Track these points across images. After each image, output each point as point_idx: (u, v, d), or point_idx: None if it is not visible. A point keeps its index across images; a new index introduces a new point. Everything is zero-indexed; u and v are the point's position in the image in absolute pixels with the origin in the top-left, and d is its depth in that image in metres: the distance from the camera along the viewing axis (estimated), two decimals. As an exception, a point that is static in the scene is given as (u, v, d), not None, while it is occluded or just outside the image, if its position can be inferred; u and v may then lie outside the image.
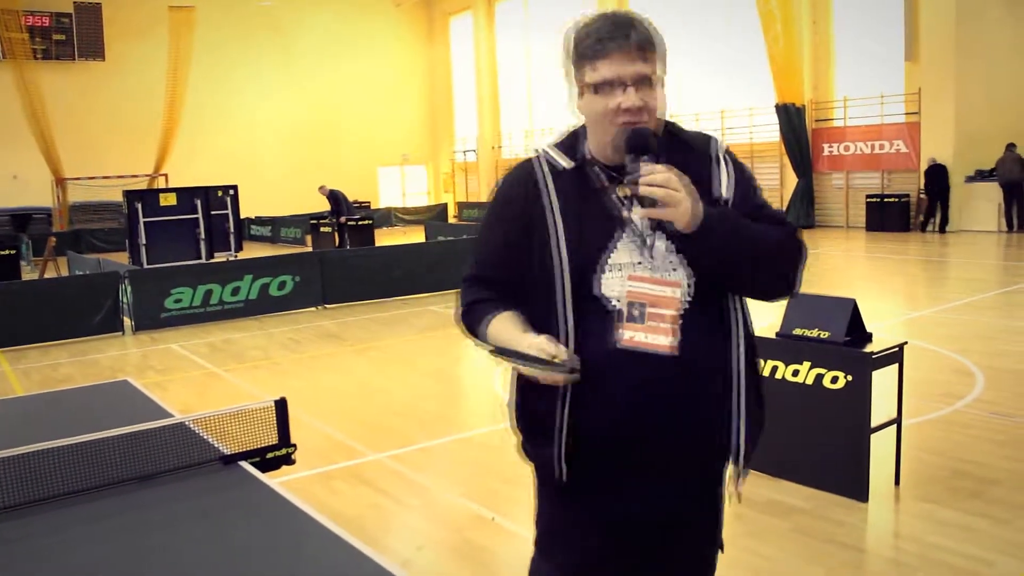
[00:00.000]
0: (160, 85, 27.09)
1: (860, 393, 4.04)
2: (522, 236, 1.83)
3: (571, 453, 1.79)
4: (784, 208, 19.47)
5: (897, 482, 4.30)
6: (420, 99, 33.51)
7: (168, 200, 17.42)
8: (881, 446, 4.25)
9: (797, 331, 4.26)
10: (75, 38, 26.93)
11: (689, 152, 1.81)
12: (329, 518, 2.81)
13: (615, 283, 1.76)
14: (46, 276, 14.83)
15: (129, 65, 27.36)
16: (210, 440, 3.49)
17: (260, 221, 25.33)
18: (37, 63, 25.88)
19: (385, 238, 21.23)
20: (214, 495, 3.05)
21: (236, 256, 17.66)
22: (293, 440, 3.58)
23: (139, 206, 16.94)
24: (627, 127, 1.72)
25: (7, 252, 15.06)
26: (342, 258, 12.17)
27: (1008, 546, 3.61)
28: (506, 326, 1.81)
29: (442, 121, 33.64)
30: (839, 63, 19.79)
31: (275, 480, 3.22)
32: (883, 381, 4.29)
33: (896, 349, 4.20)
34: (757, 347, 1.89)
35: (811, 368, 4.20)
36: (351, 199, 19.76)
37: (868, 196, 18.75)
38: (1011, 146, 16.50)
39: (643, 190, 1.66)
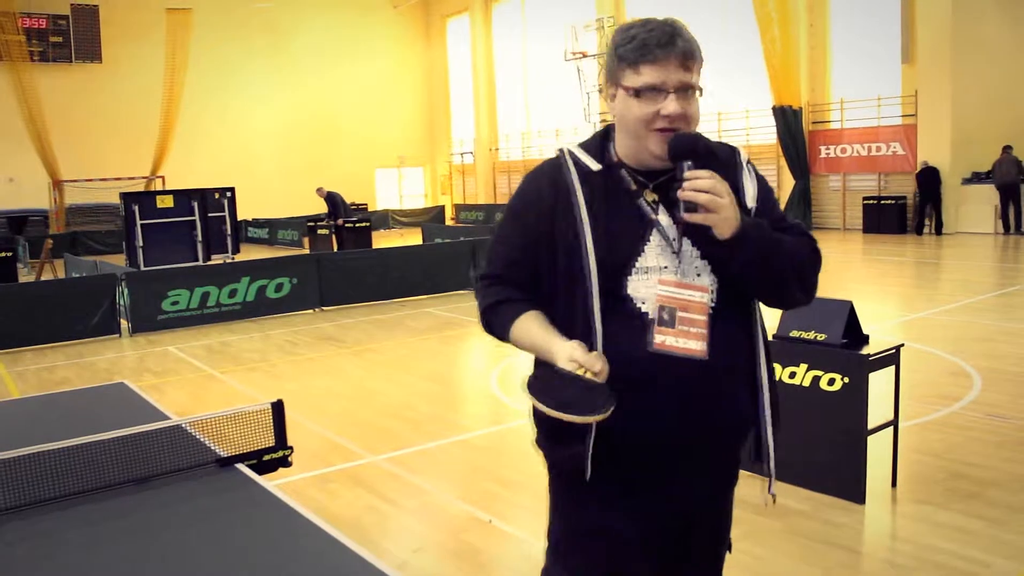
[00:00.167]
0: (157, 87, 27.11)
1: (857, 395, 4.05)
2: (548, 235, 1.81)
3: (596, 454, 1.78)
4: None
5: (894, 484, 4.30)
6: (417, 101, 33.52)
7: (165, 202, 17.41)
8: (878, 448, 4.26)
9: (794, 333, 4.26)
10: (72, 40, 26.93)
11: (715, 162, 1.81)
12: (326, 520, 2.81)
13: (642, 286, 1.76)
14: (43, 278, 14.80)
15: (126, 67, 27.36)
16: (207, 443, 3.49)
17: (257, 223, 25.33)
18: (34, 65, 25.88)
19: (382, 240, 21.22)
20: (210, 498, 3.05)
21: (233, 258, 17.65)
22: (290, 442, 3.58)
23: (136, 208, 16.92)
24: (667, 133, 1.72)
25: (3, 254, 15.05)
26: (339, 260, 12.16)
27: (1005, 548, 3.61)
28: (532, 327, 1.80)
29: (439, 123, 33.65)
30: (836, 65, 19.83)
31: (272, 483, 3.22)
32: (880, 383, 4.30)
33: (893, 351, 4.21)
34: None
35: (808, 370, 4.20)
36: (348, 201, 19.77)
37: (865, 198, 18.80)
38: (1008, 148, 16.54)
39: (687, 195, 1.67)
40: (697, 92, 1.76)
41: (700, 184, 1.66)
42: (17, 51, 25.36)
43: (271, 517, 2.86)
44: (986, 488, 4.26)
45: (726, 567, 2.04)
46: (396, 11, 32.64)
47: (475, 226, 21.98)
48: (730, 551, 2.02)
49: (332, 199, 18.57)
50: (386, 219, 28.46)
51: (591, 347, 1.72)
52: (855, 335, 4.18)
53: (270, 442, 3.50)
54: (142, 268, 15.61)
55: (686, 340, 1.74)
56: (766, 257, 1.73)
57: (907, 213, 18.14)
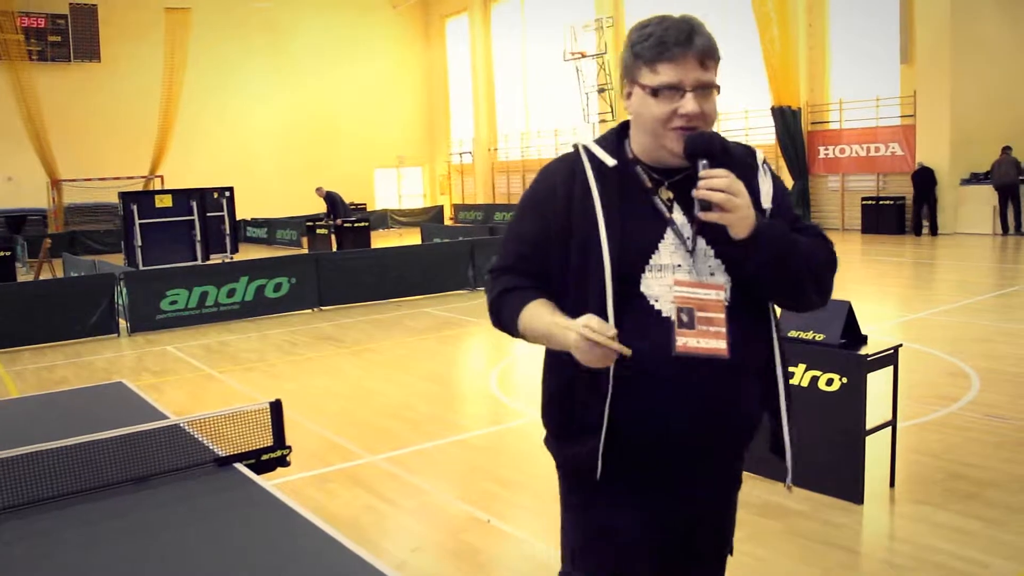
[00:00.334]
0: (156, 87, 27.09)
1: (855, 395, 4.05)
2: (562, 229, 1.79)
3: (607, 451, 1.77)
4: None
5: (892, 484, 4.30)
6: (416, 101, 33.52)
7: (164, 202, 17.40)
8: (877, 448, 4.26)
9: (792, 333, 4.26)
10: (71, 39, 26.91)
11: (731, 161, 1.79)
12: (324, 520, 2.81)
13: (655, 283, 1.75)
14: (41, 278, 14.78)
15: (125, 66, 27.34)
16: (205, 442, 3.48)
17: (256, 223, 25.32)
18: (33, 64, 25.85)
19: (381, 240, 21.23)
20: (209, 497, 3.05)
21: (232, 258, 17.64)
22: (288, 442, 3.58)
23: (135, 208, 16.91)
24: (684, 132, 1.71)
25: (2, 254, 15.03)
26: (338, 260, 12.15)
27: (1003, 548, 3.61)
28: (543, 312, 1.77)
29: (438, 123, 33.65)
30: (835, 66, 19.85)
31: (270, 482, 3.22)
32: (878, 384, 4.30)
33: (891, 351, 4.21)
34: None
35: (806, 370, 4.20)
36: (347, 201, 19.76)
37: (864, 199, 18.80)
38: (1007, 149, 16.54)
39: (703, 193, 1.66)
40: (715, 90, 1.74)
41: (716, 183, 1.65)
42: (16, 50, 25.33)
43: (269, 517, 2.86)
44: (984, 488, 4.27)
45: (726, 567, 2.04)
46: (395, 11, 32.64)
47: (474, 226, 21.97)
48: (731, 554, 2.02)
49: (331, 199, 18.56)
50: (385, 219, 28.45)
51: None
52: (853, 335, 4.18)
53: (268, 442, 3.50)
54: (141, 267, 15.60)
55: (707, 340, 1.73)
56: (782, 258, 1.72)
57: (906, 214, 18.15)
